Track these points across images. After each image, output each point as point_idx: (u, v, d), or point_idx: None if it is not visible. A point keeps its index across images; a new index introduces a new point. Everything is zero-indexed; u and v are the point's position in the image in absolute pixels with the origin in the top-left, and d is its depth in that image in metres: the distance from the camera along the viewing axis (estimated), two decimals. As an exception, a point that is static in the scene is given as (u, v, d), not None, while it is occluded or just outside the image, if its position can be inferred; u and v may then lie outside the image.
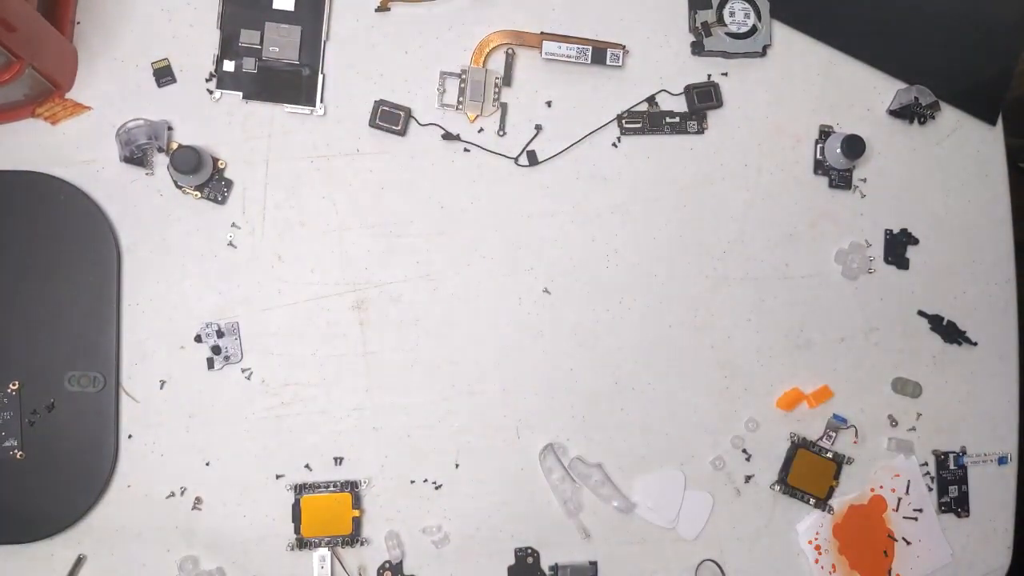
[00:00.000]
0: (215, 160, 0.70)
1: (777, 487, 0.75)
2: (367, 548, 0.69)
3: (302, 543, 0.68)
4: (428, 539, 0.70)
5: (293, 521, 0.68)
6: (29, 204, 0.67)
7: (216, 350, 0.69)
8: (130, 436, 0.68)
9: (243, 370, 0.69)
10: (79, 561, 0.67)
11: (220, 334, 0.69)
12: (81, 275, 0.67)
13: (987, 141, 0.81)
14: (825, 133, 0.78)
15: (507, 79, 0.74)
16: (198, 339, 0.69)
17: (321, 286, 0.71)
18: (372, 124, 0.72)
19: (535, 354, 0.73)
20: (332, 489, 0.69)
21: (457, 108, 0.73)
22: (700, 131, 0.76)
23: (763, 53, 0.77)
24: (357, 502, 0.69)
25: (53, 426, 0.66)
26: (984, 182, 0.80)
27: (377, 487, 0.70)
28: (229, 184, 0.70)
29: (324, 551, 0.68)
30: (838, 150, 0.75)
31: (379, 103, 0.72)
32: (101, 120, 0.69)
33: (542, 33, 0.74)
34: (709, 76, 0.77)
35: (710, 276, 0.75)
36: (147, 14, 0.71)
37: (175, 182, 0.69)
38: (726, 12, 0.76)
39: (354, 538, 0.69)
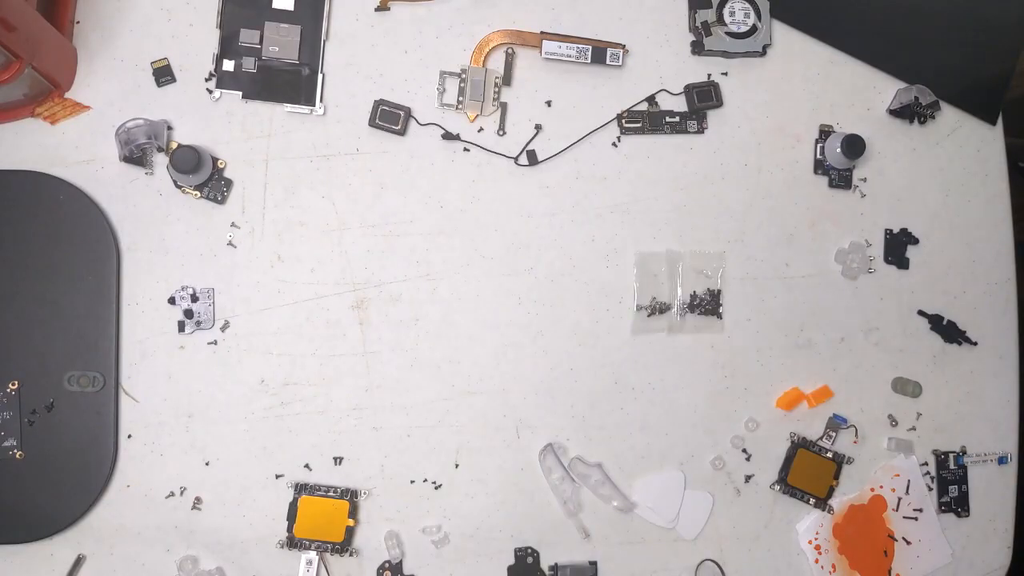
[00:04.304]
0: (215, 160, 0.70)
1: (777, 487, 0.75)
2: (355, 559, 0.69)
3: (292, 542, 0.68)
4: (428, 539, 0.70)
5: (287, 519, 0.68)
6: (29, 204, 0.67)
7: (188, 314, 0.68)
8: (130, 436, 0.68)
9: (208, 342, 0.69)
10: (79, 561, 0.67)
11: (194, 298, 0.69)
12: (81, 275, 0.67)
13: (987, 141, 0.81)
14: (825, 133, 0.78)
15: (507, 79, 0.74)
16: (171, 301, 0.68)
17: (321, 286, 0.71)
18: (372, 124, 0.72)
19: (535, 354, 0.73)
20: (332, 494, 0.69)
21: (457, 108, 0.73)
22: (700, 131, 0.76)
23: (763, 53, 0.77)
24: (354, 512, 0.69)
25: (52, 426, 0.66)
26: (984, 182, 0.80)
27: (377, 487, 0.70)
28: (229, 184, 0.70)
29: (312, 555, 0.68)
30: (838, 150, 0.75)
31: (379, 103, 0.72)
32: (101, 120, 0.69)
33: (542, 33, 0.74)
34: (709, 76, 0.77)
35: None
36: (147, 14, 0.71)
37: (175, 182, 0.69)
38: (726, 12, 0.76)
39: (344, 547, 0.69)
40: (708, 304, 0.74)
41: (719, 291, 0.74)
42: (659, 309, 0.73)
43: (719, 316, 0.75)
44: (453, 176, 0.73)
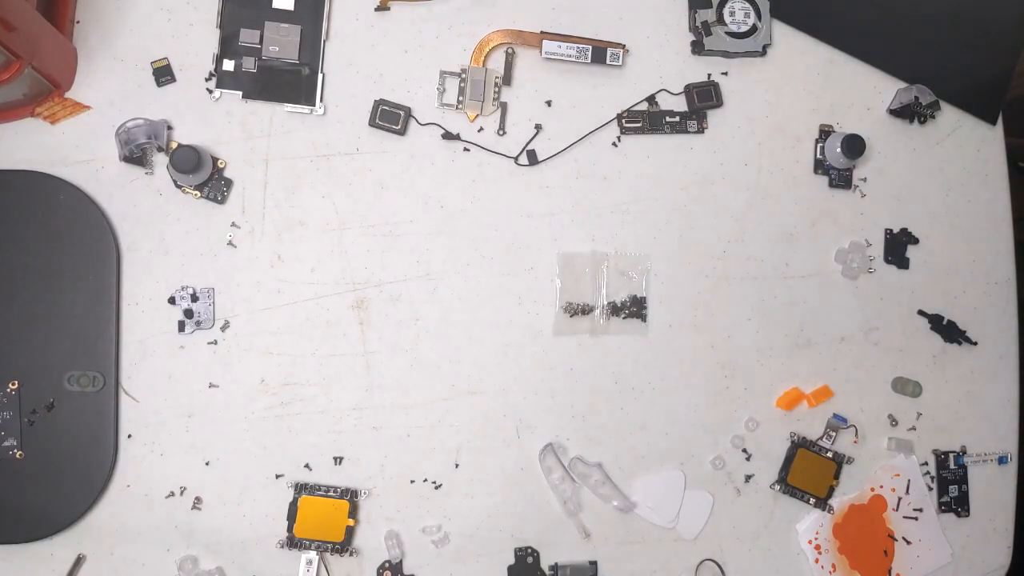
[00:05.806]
0: (215, 159, 0.70)
1: (777, 487, 0.75)
2: (355, 559, 0.69)
3: (292, 542, 0.68)
4: (428, 539, 0.70)
5: (287, 519, 0.68)
6: (29, 204, 0.67)
7: (188, 314, 0.68)
8: (130, 436, 0.68)
9: (208, 342, 0.69)
10: (79, 561, 0.67)
11: (194, 298, 0.69)
12: (81, 275, 0.67)
13: (987, 141, 0.81)
14: (825, 133, 0.78)
15: (507, 78, 0.74)
16: (171, 301, 0.68)
17: (321, 286, 0.71)
18: (372, 123, 0.72)
19: (535, 354, 0.73)
20: (332, 494, 0.69)
21: (457, 107, 0.73)
22: (700, 131, 0.76)
23: (763, 52, 0.77)
24: (354, 512, 0.69)
25: (52, 426, 0.66)
26: (984, 182, 0.80)
27: (377, 487, 0.70)
28: (229, 184, 0.70)
29: (312, 554, 0.68)
30: (838, 149, 0.75)
31: (379, 102, 0.72)
32: (101, 119, 0.69)
33: (542, 32, 0.74)
34: (709, 75, 0.77)
35: (710, 276, 0.75)
36: (147, 14, 0.71)
37: (175, 181, 0.69)
38: (726, 11, 0.76)
39: (344, 547, 0.69)
40: (632, 308, 0.74)
41: (643, 297, 0.74)
42: (582, 311, 0.73)
43: (643, 320, 0.74)
44: (453, 176, 0.73)
